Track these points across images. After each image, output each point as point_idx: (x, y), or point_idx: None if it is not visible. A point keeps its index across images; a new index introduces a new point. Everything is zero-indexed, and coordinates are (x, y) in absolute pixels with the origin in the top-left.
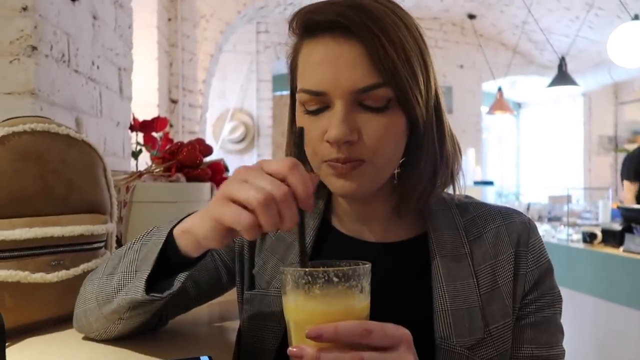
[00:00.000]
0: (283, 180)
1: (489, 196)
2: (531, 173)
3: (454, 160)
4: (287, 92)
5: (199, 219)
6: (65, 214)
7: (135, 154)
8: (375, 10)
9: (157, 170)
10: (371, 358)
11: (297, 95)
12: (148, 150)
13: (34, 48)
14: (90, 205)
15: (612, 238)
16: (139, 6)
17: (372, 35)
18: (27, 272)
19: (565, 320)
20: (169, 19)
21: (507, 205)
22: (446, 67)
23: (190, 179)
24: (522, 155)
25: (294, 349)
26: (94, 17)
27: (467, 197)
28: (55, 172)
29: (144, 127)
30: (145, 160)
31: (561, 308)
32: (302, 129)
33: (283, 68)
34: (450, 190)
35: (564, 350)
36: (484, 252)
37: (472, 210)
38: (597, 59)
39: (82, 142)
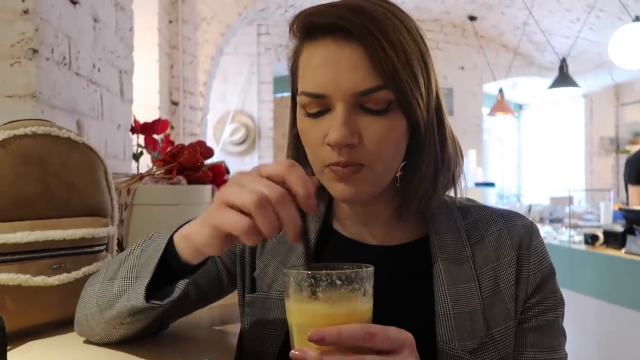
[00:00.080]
0: (282, 182)
1: (490, 198)
2: (532, 174)
3: (456, 162)
4: (288, 94)
5: (198, 226)
6: (67, 217)
7: (136, 157)
8: (376, 12)
9: (158, 172)
10: None
11: (298, 98)
12: (149, 153)
13: (35, 51)
14: (91, 208)
15: (614, 240)
16: (139, 9)
17: (372, 38)
18: (28, 276)
19: (567, 322)
20: (170, 22)
21: (509, 208)
22: (447, 68)
23: (191, 181)
24: (523, 156)
25: (296, 352)
26: (95, 20)
27: (468, 199)
28: (56, 175)
29: (145, 129)
30: (146, 162)
31: (563, 311)
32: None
33: (284, 70)
34: (451, 193)
35: (567, 354)
36: (485, 255)
37: (473, 213)
38: (598, 60)
39: (83, 145)
